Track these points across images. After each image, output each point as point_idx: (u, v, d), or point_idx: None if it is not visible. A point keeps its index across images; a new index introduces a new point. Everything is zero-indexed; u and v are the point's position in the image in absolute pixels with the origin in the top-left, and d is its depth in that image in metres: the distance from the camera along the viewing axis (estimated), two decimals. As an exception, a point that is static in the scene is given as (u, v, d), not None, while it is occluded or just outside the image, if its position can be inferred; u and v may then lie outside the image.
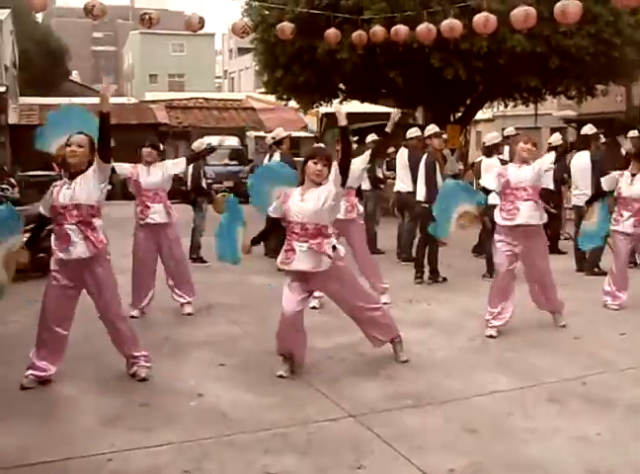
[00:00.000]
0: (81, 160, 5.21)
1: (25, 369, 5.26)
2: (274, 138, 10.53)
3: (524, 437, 4.37)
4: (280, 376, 5.40)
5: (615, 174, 7.85)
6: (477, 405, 4.92)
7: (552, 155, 6.85)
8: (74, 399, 5.03)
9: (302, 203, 5.31)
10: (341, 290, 5.53)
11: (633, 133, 11.63)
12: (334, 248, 5.34)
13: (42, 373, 5.28)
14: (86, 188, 5.17)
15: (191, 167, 10.64)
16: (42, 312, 5.29)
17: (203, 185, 11.12)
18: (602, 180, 7.95)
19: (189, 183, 10.88)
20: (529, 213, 6.51)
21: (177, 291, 7.58)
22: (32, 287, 8.87)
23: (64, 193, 5.19)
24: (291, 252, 5.34)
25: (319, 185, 5.35)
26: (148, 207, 7.34)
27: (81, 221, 5.16)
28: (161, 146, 7.83)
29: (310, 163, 5.35)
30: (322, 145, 7.30)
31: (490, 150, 9.60)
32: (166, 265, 7.53)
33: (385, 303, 7.13)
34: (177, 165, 7.60)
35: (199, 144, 10.48)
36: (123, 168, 7.41)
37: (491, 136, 9.96)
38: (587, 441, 4.30)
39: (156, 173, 7.37)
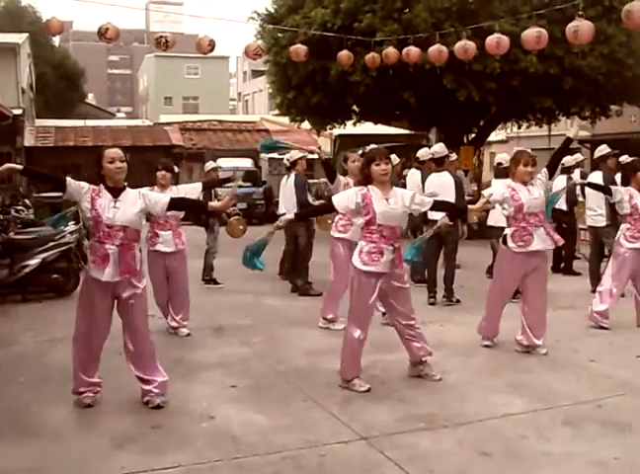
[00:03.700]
0: (125, 175, 5.09)
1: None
2: (288, 160, 10.53)
3: (540, 462, 4.30)
4: None
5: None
6: (491, 428, 4.85)
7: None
8: (85, 420, 5.01)
9: (390, 207, 5.43)
10: (403, 296, 5.70)
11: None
12: None
13: (99, 388, 5.31)
14: (131, 210, 5.02)
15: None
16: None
17: None
18: None
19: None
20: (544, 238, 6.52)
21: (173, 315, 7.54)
22: (45, 309, 8.94)
23: (111, 210, 4.95)
24: (379, 254, 5.44)
25: (389, 185, 5.52)
26: (157, 236, 7.35)
27: (124, 244, 4.99)
28: (175, 168, 7.72)
29: (373, 166, 5.47)
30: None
31: (503, 171, 9.47)
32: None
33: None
34: (194, 191, 7.27)
35: (209, 165, 10.83)
36: None
37: (503, 157, 9.78)
38: (604, 466, 4.22)
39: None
